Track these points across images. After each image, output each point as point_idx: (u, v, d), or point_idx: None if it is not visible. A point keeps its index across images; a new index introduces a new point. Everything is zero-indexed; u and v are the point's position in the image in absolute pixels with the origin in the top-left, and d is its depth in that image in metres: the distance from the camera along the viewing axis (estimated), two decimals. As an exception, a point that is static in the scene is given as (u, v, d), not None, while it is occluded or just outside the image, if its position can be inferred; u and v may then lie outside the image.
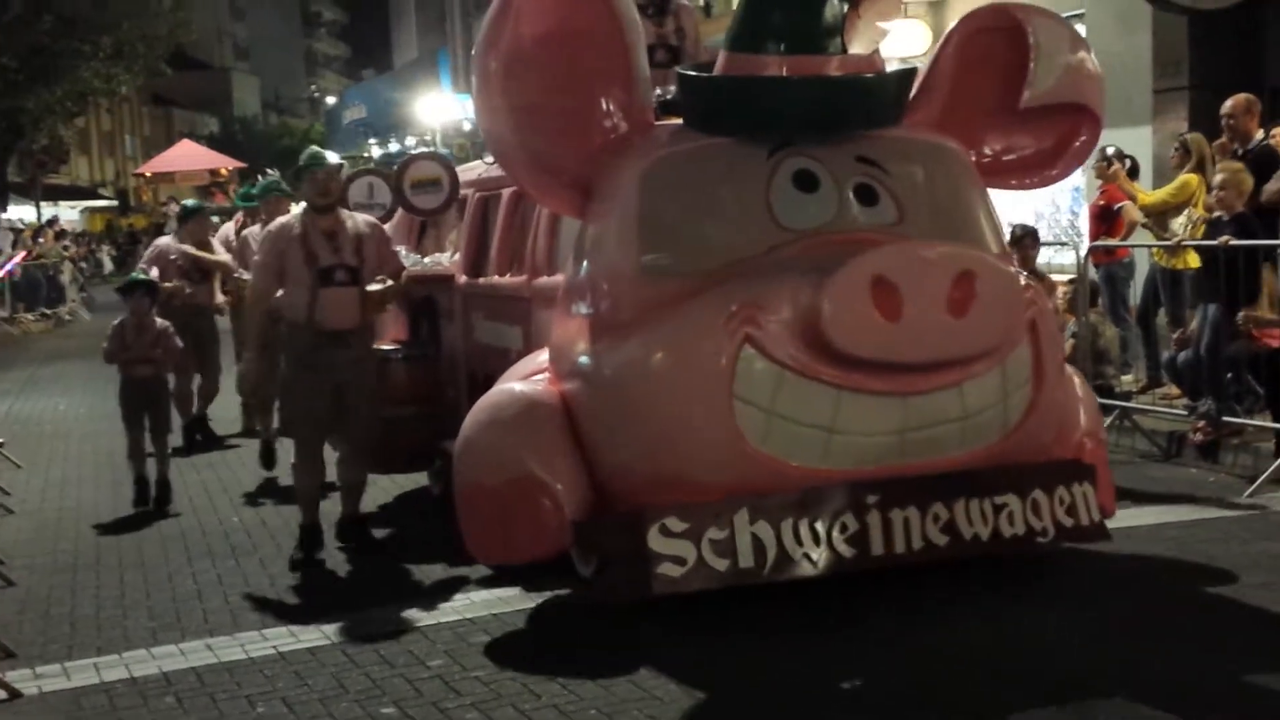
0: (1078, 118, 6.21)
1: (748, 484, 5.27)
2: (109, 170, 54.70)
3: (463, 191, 7.69)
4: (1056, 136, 6.25)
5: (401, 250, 7.59)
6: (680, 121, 5.94)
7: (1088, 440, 6.00)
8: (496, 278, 7.07)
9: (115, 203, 50.73)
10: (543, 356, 6.10)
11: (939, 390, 5.36)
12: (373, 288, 6.67)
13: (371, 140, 52.50)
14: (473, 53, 5.91)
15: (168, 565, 6.87)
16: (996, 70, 6.15)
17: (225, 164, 35.86)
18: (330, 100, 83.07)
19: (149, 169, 38.12)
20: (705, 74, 6.01)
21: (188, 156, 36.21)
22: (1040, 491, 5.58)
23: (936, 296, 5.16)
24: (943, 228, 5.74)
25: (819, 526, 5.26)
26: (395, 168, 7.97)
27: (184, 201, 12.00)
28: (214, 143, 50.73)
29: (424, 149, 7.66)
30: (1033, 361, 5.54)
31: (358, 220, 6.91)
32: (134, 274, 9.01)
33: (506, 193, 7.03)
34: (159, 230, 33.36)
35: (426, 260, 7.77)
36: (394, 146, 49.10)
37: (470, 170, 7.93)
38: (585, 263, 5.82)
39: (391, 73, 68.63)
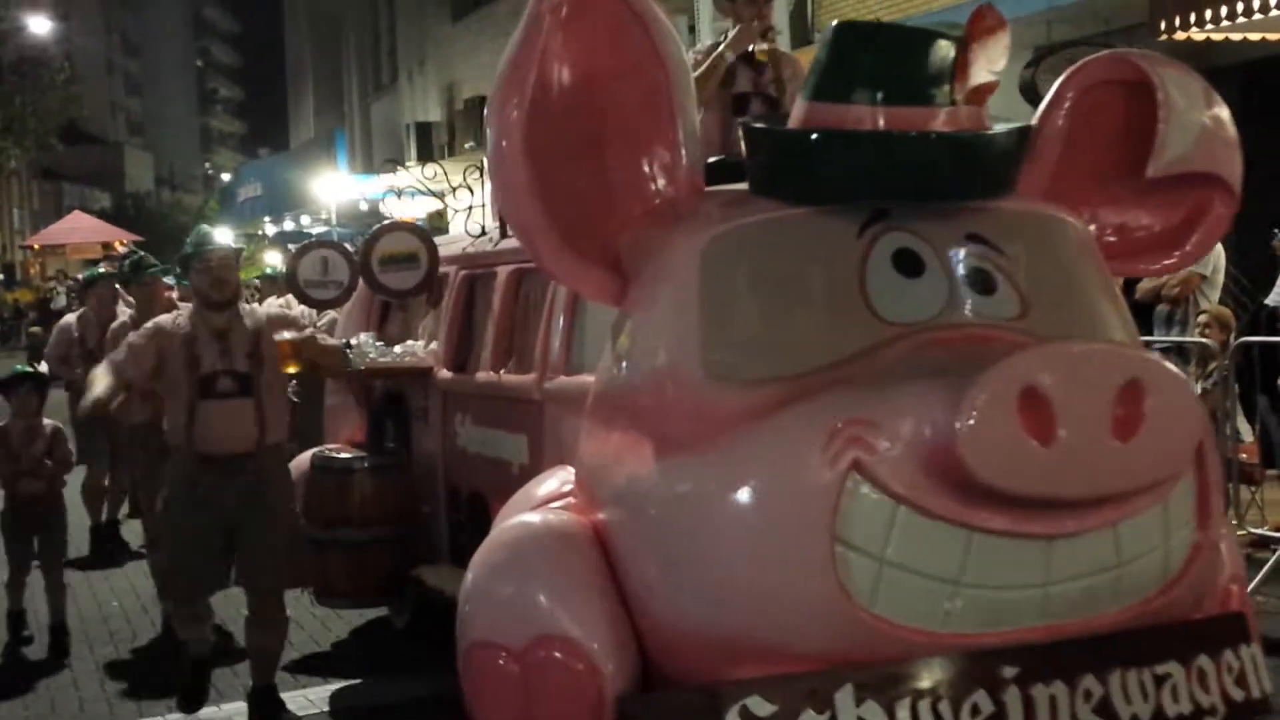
0: (1208, 189, 5.14)
1: (853, 652, 4.06)
2: (-5, 244, 53.27)
3: (443, 269, 6.45)
4: (1185, 211, 5.16)
5: (362, 338, 6.36)
6: (742, 186, 4.80)
7: (1234, 585, 4.87)
8: (491, 374, 5.83)
9: (1, 276, 49.07)
10: (561, 476, 4.89)
11: (1090, 532, 4.19)
12: (284, 336, 5.62)
13: (266, 218, 51.97)
14: (488, 103, 4.71)
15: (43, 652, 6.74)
16: (1115, 132, 5.08)
17: (120, 237, 34.74)
18: (225, 177, 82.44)
19: (38, 240, 36.62)
20: (778, 128, 4.85)
21: (80, 229, 34.97)
22: (1206, 657, 4.42)
23: (1099, 413, 4.01)
24: (1072, 323, 4.62)
25: (943, 708, 4.05)
26: (362, 240, 6.72)
27: (85, 273, 10.69)
28: (105, 218, 49.56)
29: (395, 223, 6.32)
30: (1198, 493, 4.41)
31: (259, 315, 5.81)
32: (16, 366, 7.69)
33: (504, 271, 5.84)
34: (45, 305, 31.85)
35: (398, 350, 6.51)
36: (289, 225, 48.33)
37: (452, 244, 6.72)
38: (627, 362, 4.62)
39: (288, 151, 68.14)
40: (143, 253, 7.96)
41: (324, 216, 40.09)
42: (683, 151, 4.73)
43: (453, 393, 6.17)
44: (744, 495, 4.14)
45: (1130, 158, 5.04)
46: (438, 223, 7.64)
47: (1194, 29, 11.41)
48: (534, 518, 4.68)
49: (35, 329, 28.22)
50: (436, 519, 6.19)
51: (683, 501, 4.26)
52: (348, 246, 7.11)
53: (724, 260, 4.51)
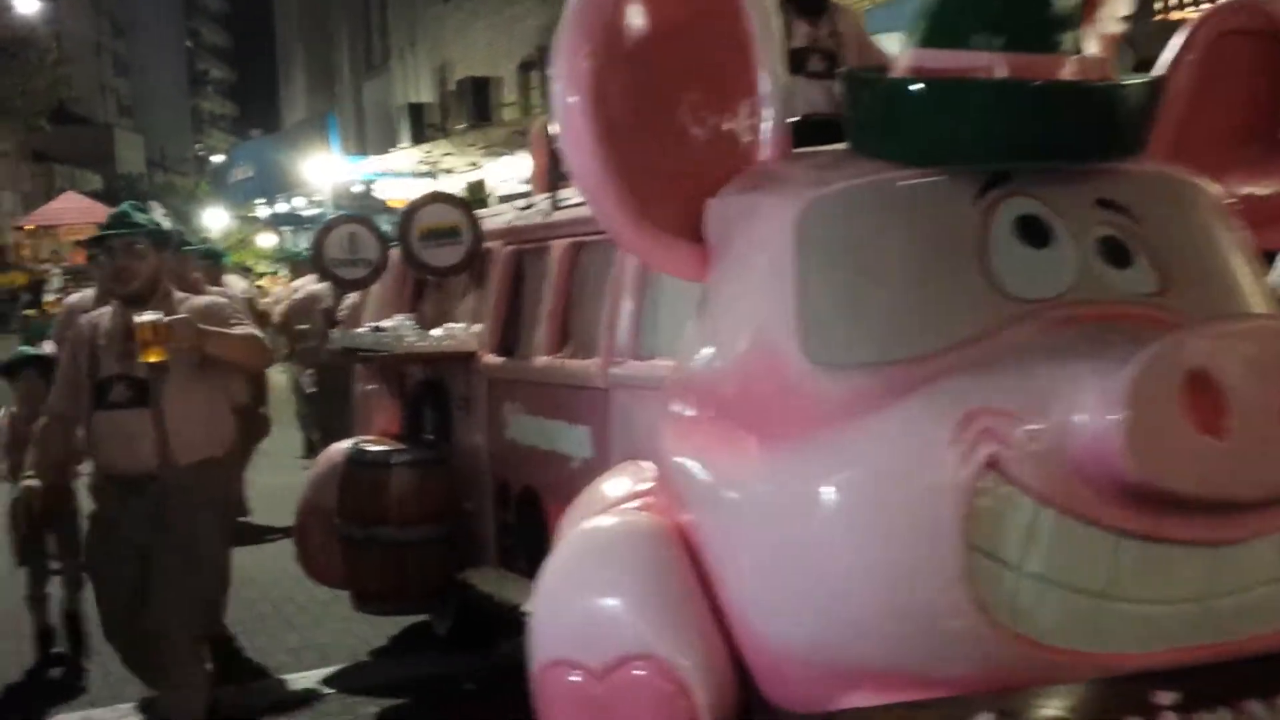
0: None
1: (989, 676, 3.54)
2: (-14, 227, 52.70)
3: (487, 244, 5.90)
4: (1324, 175, 4.65)
5: (397, 320, 5.81)
6: (836, 147, 4.27)
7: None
8: (546, 359, 5.29)
9: (-10, 258, 48.57)
10: (635, 473, 4.37)
11: (1258, 538, 3.66)
12: (145, 317, 4.75)
13: (259, 200, 51.63)
14: (553, 51, 4.17)
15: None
16: (1245, 88, 4.56)
17: (112, 218, 33.80)
18: (217, 159, 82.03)
19: (32, 221, 35.99)
20: (883, 77, 4.31)
21: (73, 210, 34.44)
22: (1379, 679, 3.91)
23: (1275, 401, 3.49)
24: (1217, 300, 4.10)
25: (1092, 739, 3.55)
26: (401, 213, 6.16)
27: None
28: (97, 200, 49.01)
29: (435, 194, 5.75)
30: (1371, 492, 3.88)
31: (196, 306, 5.04)
32: (20, 348, 7.14)
33: (559, 245, 5.29)
34: (38, 288, 31.26)
35: (437, 333, 5.97)
36: (282, 207, 47.91)
37: (496, 217, 6.16)
38: (714, 345, 4.09)
39: (280, 133, 67.92)
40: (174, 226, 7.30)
41: (319, 198, 39.77)
42: (769, 108, 4.22)
43: (500, 380, 5.64)
44: (860, 497, 3.62)
45: (1261, 117, 4.55)
46: (478, 194, 7.07)
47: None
48: (613, 520, 4.15)
49: (30, 311, 27.65)
50: (482, 518, 5.68)
51: (787, 504, 3.73)
52: (376, 222, 6.58)
53: (823, 229, 3.98)
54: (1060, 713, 3.56)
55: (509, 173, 19.25)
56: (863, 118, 4.22)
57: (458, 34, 30.87)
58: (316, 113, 56.29)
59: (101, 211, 34.97)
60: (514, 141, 17.67)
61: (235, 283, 11.24)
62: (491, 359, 5.72)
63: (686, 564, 3.94)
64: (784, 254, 3.93)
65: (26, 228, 35.83)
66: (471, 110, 25.74)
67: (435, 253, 5.92)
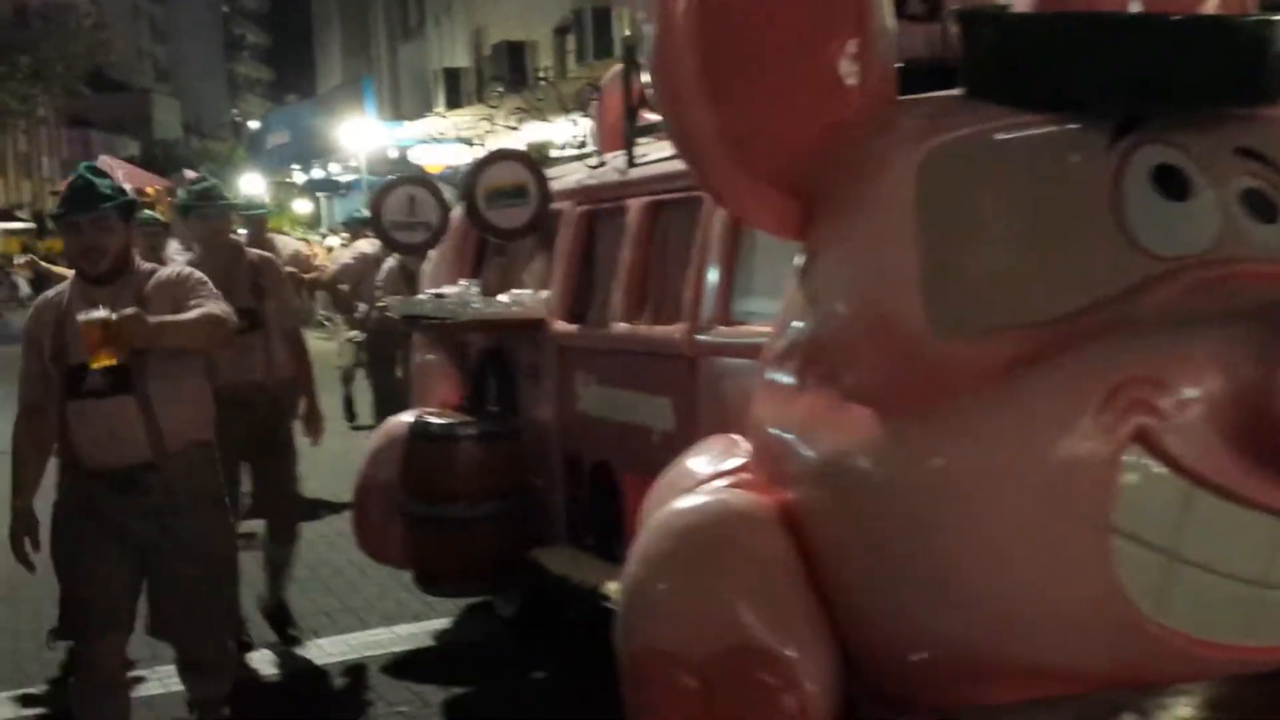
0: None
1: (1134, 671, 3.22)
2: (25, 192, 53.31)
3: (556, 204, 5.56)
4: None
5: (463, 285, 5.48)
6: (952, 93, 3.91)
7: None
8: (623, 325, 4.96)
9: (33, 225, 48.72)
10: (724, 447, 4.04)
11: None
12: (93, 315, 4.26)
13: (295, 166, 51.49)
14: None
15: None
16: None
17: (151, 182, 33.96)
18: (253, 125, 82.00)
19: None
20: (1005, 14, 3.95)
21: (111, 174, 34.10)
22: None
23: None
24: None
25: (1251, 743, 3.23)
26: (466, 172, 5.79)
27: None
28: (134, 166, 49.13)
29: (502, 151, 5.38)
30: None
31: (165, 278, 4.60)
32: None
33: (636, 204, 4.95)
34: (77, 255, 31.16)
35: (503, 299, 5.63)
36: (317, 173, 47.79)
37: (566, 175, 5.82)
38: (820, 308, 3.75)
39: (315, 98, 67.74)
40: (212, 179, 6.91)
41: (354, 164, 39.60)
42: (876, 49, 3.86)
43: (571, 348, 5.32)
44: (990, 475, 3.27)
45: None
46: (541, 152, 6.71)
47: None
48: (709, 500, 3.81)
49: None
50: (551, 493, 5.37)
51: (910, 483, 3.39)
52: (436, 183, 6.24)
53: (947, 179, 3.62)
54: (1212, 713, 3.24)
55: (546, 136, 18.91)
56: (980, 60, 3.85)
57: (493, -1, 30.62)
58: (352, 78, 56.09)
59: (140, 176, 34.88)
60: (550, 106, 17.29)
61: (285, 243, 10.88)
62: (562, 326, 5.40)
63: (791, 548, 3.61)
64: (902, 208, 3.58)
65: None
66: (507, 74, 25.55)
67: (502, 214, 5.55)
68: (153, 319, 4.30)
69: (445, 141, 26.38)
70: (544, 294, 5.58)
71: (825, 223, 3.77)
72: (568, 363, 5.34)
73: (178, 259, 6.44)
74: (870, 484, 3.46)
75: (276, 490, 6.19)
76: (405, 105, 39.22)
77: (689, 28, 3.64)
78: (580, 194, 5.47)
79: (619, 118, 5.68)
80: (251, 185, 51.08)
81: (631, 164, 5.15)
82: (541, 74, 24.47)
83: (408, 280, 8.22)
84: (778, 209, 3.87)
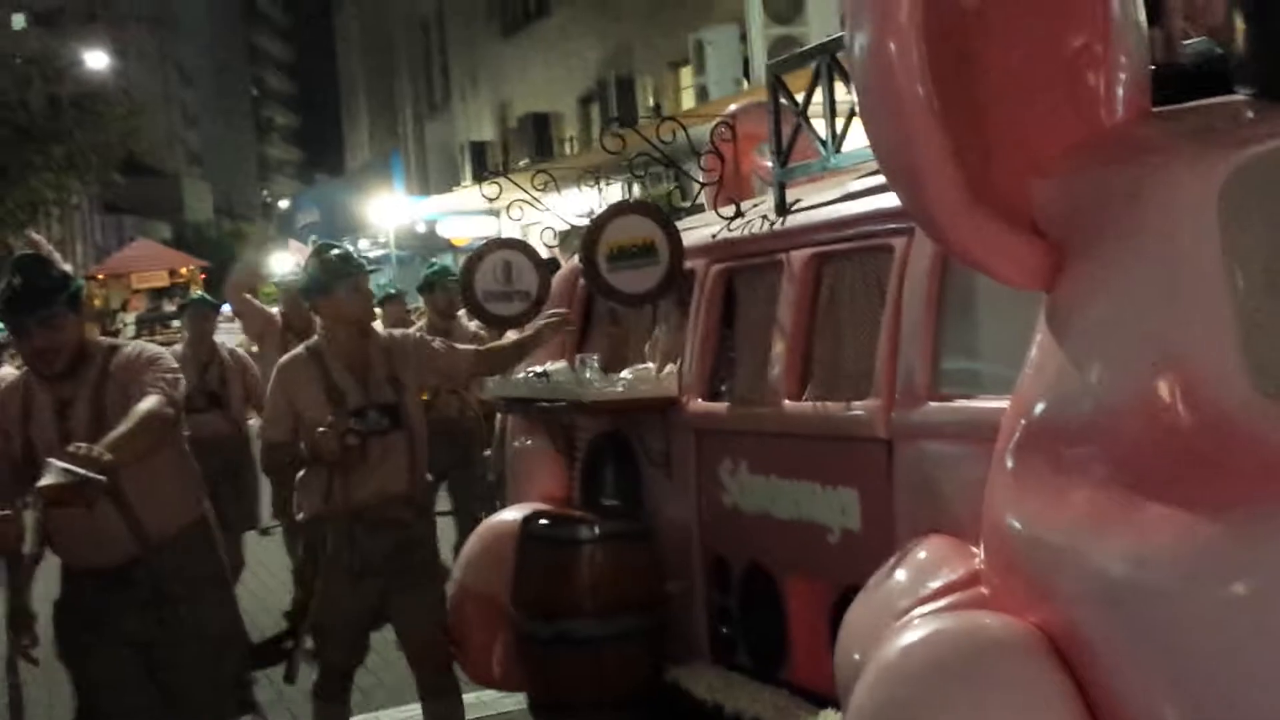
0: None
1: None
2: (60, 280, 52.90)
3: (689, 263, 4.76)
4: None
5: (579, 360, 4.68)
6: (1230, 99, 3.11)
7: None
8: (786, 403, 4.14)
9: (68, 312, 48.45)
10: (948, 552, 3.22)
11: None
12: (46, 480, 3.84)
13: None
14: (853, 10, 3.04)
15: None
16: None
17: (185, 263, 33.61)
18: (283, 204, 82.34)
19: (104, 271, 35.77)
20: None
21: (145, 257, 34.15)
22: None
23: None
24: None
25: None
26: (585, 230, 4.94)
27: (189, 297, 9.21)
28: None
29: (625, 203, 4.58)
30: None
31: (123, 360, 4.35)
32: None
33: (796, 257, 4.16)
34: (114, 338, 30.70)
35: (627, 375, 4.81)
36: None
37: (699, 229, 5.01)
38: (1086, 374, 2.93)
39: (344, 175, 68.26)
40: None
41: (381, 240, 39.53)
42: (1124, 52, 3.09)
43: (713, 430, 4.50)
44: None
45: None
46: (676, 201, 5.88)
47: None
48: (959, 624, 2.99)
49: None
50: (690, 603, 4.55)
51: (1244, 599, 2.56)
52: (534, 248, 5.45)
53: (1259, 203, 2.83)
54: None
55: (572, 207, 18.27)
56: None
57: (518, 71, 30.42)
58: (380, 154, 56.14)
59: (172, 257, 34.60)
60: (577, 176, 16.65)
61: (465, 323, 9.37)
62: (700, 405, 4.58)
63: (1071, 687, 2.78)
64: (1201, 242, 2.78)
65: (99, 276, 35.51)
66: (533, 147, 25.24)
67: (625, 276, 4.74)
68: (107, 454, 3.89)
69: (469, 214, 26.08)
70: (669, 368, 4.76)
71: (1087, 266, 2.97)
72: (708, 448, 4.51)
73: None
74: (1189, 603, 2.62)
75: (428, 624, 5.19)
76: (432, 180, 38.98)
77: (916, 39, 2.86)
78: (717, 250, 4.63)
79: (755, 159, 4.94)
80: (281, 264, 50.97)
81: (784, 210, 4.34)
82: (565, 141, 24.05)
83: None
84: (1018, 253, 3.08)
